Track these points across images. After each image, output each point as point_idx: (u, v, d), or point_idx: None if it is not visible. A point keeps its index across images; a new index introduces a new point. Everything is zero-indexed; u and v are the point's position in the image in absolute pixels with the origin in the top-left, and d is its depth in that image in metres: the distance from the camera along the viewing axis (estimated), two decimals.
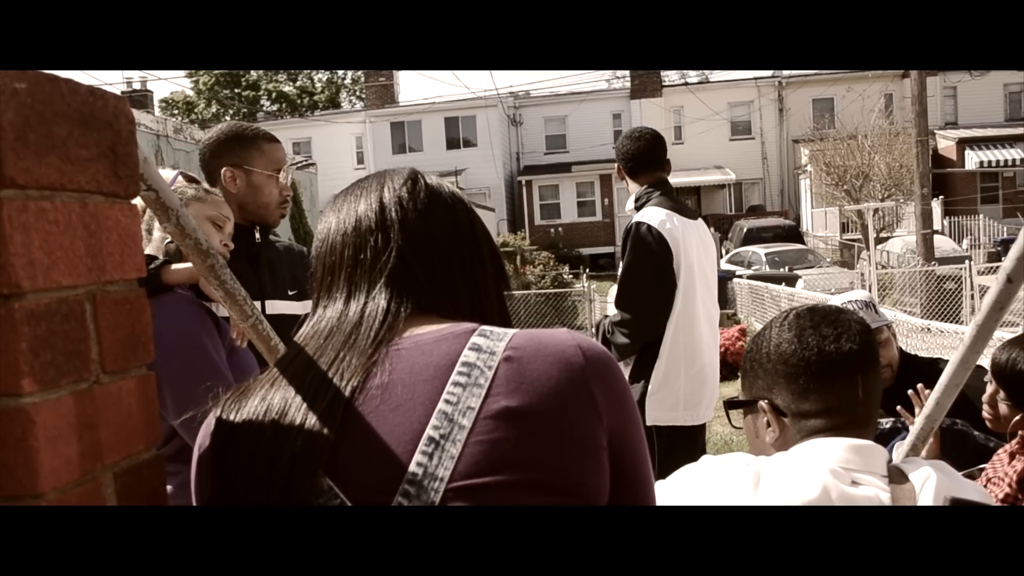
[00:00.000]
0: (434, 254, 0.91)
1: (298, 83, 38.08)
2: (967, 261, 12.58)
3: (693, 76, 31.79)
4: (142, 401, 0.86)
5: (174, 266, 1.78)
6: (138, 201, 0.92)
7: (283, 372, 0.86)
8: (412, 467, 0.77)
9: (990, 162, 24.88)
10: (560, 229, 27.74)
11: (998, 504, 1.92)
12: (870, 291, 12.45)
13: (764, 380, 1.31)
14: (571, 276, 18.53)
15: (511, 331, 0.85)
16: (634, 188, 3.20)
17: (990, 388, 2.10)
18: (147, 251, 1.83)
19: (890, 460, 1.23)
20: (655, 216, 3.00)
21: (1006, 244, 19.30)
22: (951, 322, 10.11)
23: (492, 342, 0.82)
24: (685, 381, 3.00)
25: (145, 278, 0.90)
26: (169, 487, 1.20)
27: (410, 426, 0.79)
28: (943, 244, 17.53)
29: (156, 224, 1.87)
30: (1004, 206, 25.22)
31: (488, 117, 27.78)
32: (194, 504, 0.86)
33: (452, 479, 0.76)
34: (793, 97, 29.15)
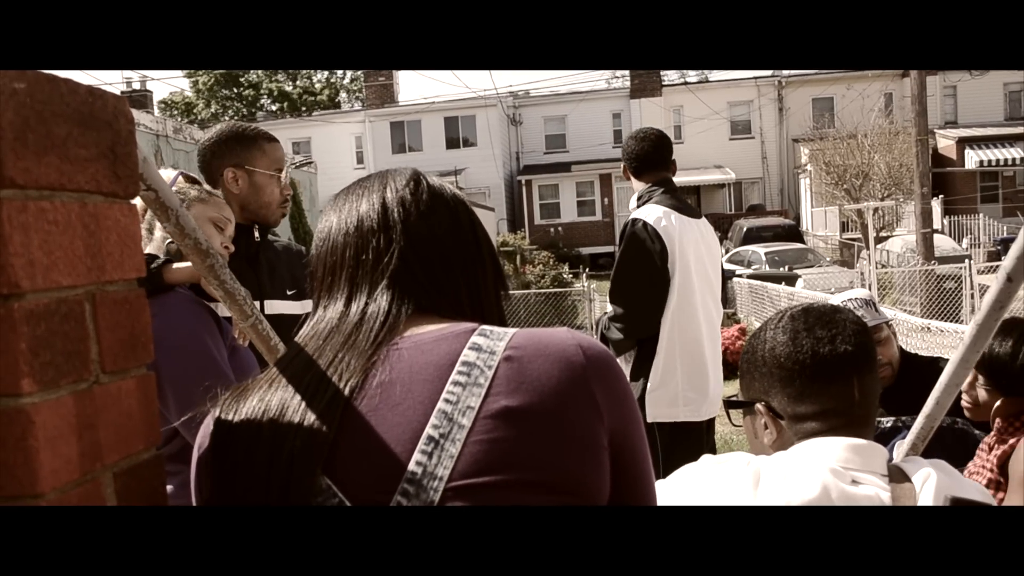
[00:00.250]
0: (436, 255, 0.91)
1: (299, 83, 38.08)
2: (967, 260, 12.59)
3: (693, 75, 31.80)
4: (142, 401, 0.86)
5: (175, 265, 1.78)
6: (138, 201, 0.92)
7: (282, 372, 0.85)
8: (411, 466, 0.77)
9: (990, 161, 24.88)
10: (560, 229, 27.74)
11: None
12: (870, 290, 12.45)
13: (760, 383, 1.30)
14: (571, 276, 18.53)
15: (511, 330, 0.84)
16: (638, 187, 3.23)
17: (967, 380, 2.10)
18: (148, 250, 1.83)
19: (890, 459, 1.23)
20: (651, 213, 3.04)
21: (1006, 243, 19.31)
22: (951, 321, 10.11)
23: (492, 341, 0.82)
24: (683, 378, 3.01)
25: (146, 277, 0.90)
26: (169, 487, 1.20)
27: (409, 425, 0.78)
28: (943, 243, 17.53)
29: (157, 224, 1.87)
30: (1004, 205, 25.22)
31: (488, 117, 27.78)
32: (194, 504, 0.86)
33: (451, 478, 0.76)
34: (793, 96, 29.15)
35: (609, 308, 3.15)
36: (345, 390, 0.81)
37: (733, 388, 1.58)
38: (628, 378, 2.97)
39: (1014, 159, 24.74)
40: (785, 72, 28.11)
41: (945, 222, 22.66)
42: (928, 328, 7.09)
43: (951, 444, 2.24)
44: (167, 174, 1.93)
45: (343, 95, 39.01)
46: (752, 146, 29.71)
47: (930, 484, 1.14)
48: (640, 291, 3.02)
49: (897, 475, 1.18)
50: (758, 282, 13.46)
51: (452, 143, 28.33)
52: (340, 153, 28.94)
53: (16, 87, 0.71)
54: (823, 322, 1.26)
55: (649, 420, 2.98)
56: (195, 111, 36.06)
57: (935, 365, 2.72)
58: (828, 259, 20.25)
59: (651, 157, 3.20)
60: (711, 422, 3.20)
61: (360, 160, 29.12)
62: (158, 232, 1.87)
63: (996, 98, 28.22)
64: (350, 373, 0.82)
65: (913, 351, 3.69)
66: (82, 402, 0.77)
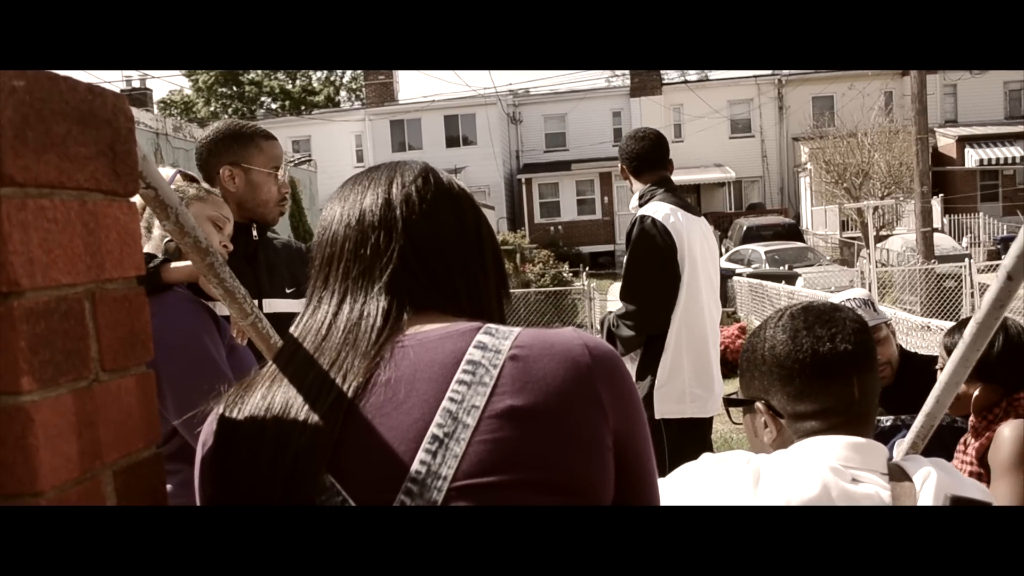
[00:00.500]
0: (436, 255, 0.90)
1: (298, 82, 38.05)
2: (967, 259, 12.60)
3: (693, 74, 31.78)
4: (142, 399, 0.86)
5: (173, 264, 1.78)
6: (137, 199, 0.91)
7: (284, 368, 0.85)
8: (415, 465, 0.76)
9: (990, 160, 24.87)
10: (560, 227, 27.74)
11: None
12: (870, 289, 12.45)
13: (760, 381, 1.30)
14: (571, 274, 18.54)
15: (516, 329, 0.84)
16: (638, 187, 3.25)
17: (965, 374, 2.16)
18: (147, 249, 1.82)
19: (890, 458, 1.23)
20: (659, 210, 3.06)
21: (1006, 242, 19.32)
22: (951, 320, 10.11)
23: (498, 340, 0.82)
24: (690, 374, 3.04)
25: (144, 276, 0.90)
26: (169, 486, 1.20)
27: (414, 424, 0.78)
28: (943, 242, 17.53)
29: (156, 222, 1.87)
30: (1004, 204, 25.22)
31: (488, 115, 27.77)
32: (197, 501, 0.86)
33: (455, 478, 0.75)
34: (793, 95, 29.15)
35: (619, 305, 3.16)
36: (349, 388, 0.80)
37: (733, 387, 1.58)
38: (634, 376, 3.01)
39: (1014, 158, 24.73)
40: (785, 70, 28.10)
41: (945, 221, 22.66)
42: (928, 327, 7.09)
43: (949, 443, 2.25)
44: (165, 172, 1.92)
45: (343, 93, 39.00)
46: (752, 145, 29.70)
47: (930, 483, 1.14)
48: (652, 288, 3.04)
49: (897, 473, 1.18)
50: (758, 281, 13.47)
51: (452, 141, 28.32)
52: (340, 151, 28.93)
53: (15, 85, 0.70)
54: (823, 321, 1.26)
55: (657, 416, 3.00)
56: (194, 110, 36.04)
57: (934, 364, 2.73)
58: (828, 258, 20.26)
59: (650, 156, 3.23)
60: (711, 420, 3.23)
61: (360, 158, 29.10)
62: (156, 231, 1.87)
63: (996, 97, 28.22)
64: (355, 371, 0.81)
65: (913, 350, 3.69)
66: (82, 400, 0.77)
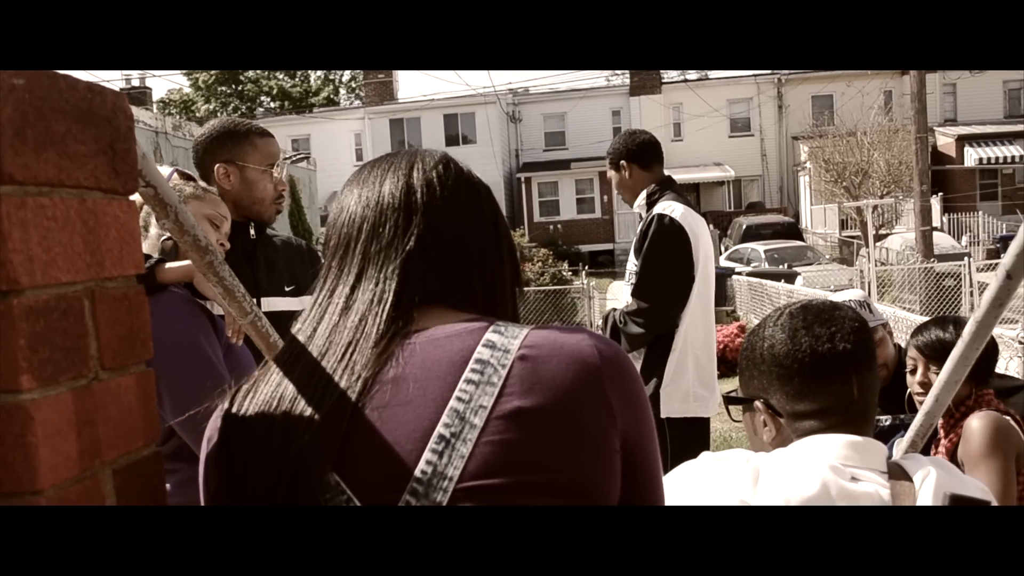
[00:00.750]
0: (454, 244, 0.89)
1: (297, 81, 38.00)
2: (966, 258, 12.60)
3: (692, 73, 31.76)
4: (141, 398, 0.86)
5: (169, 265, 1.78)
6: (136, 197, 0.91)
7: (294, 362, 0.84)
8: (421, 465, 0.76)
9: (989, 159, 24.88)
10: (559, 226, 27.72)
11: None
12: (869, 288, 12.46)
13: (759, 380, 1.30)
14: (570, 273, 18.53)
15: (526, 328, 0.82)
16: (642, 184, 3.24)
17: (919, 371, 2.28)
18: (143, 249, 1.82)
19: (890, 456, 1.23)
20: (676, 209, 3.08)
21: (1005, 241, 19.31)
22: None
23: (507, 339, 0.81)
24: (694, 374, 3.07)
25: (140, 276, 0.90)
26: (167, 485, 1.20)
27: (420, 423, 0.77)
28: (942, 241, 17.54)
29: (152, 221, 1.86)
30: (1003, 203, 25.22)
31: (487, 114, 27.74)
32: (200, 497, 0.86)
33: (462, 479, 0.75)
34: (792, 94, 29.14)
35: (629, 301, 3.16)
36: (357, 385, 0.79)
37: (732, 385, 1.58)
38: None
39: (1013, 157, 24.74)
40: (784, 69, 28.09)
41: (944, 220, 22.66)
42: None
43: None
44: (163, 171, 1.92)
45: (342, 92, 38.96)
46: (751, 143, 29.69)
47: (930, 481, 1.14)
48: (669, 287, 3.06)
49: (897, 472, 1.18)
50: (757, 280, 13.47)
51: (451, 140, 28.28)
52: (339, 150, 28.91)
53: (15, 83, 0.70)
54: (822, 320, 1.25)
55: (662, 416, 3.01)
56: (193, 108, 36.01)
57: None
58: (827, 257, 20.27)
59: (654, 151, 3.28)
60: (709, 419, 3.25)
61: (359, 157, 29.06)
62: (153, 230, 1.86)
63: (996, 96, 28.22)
64: (363, 366, 0.80)
65: None
66: (81, 399, 0.76)
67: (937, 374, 2.19)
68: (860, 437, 1.20)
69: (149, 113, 11.97)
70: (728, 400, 1.41)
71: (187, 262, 1.76)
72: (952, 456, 2.10)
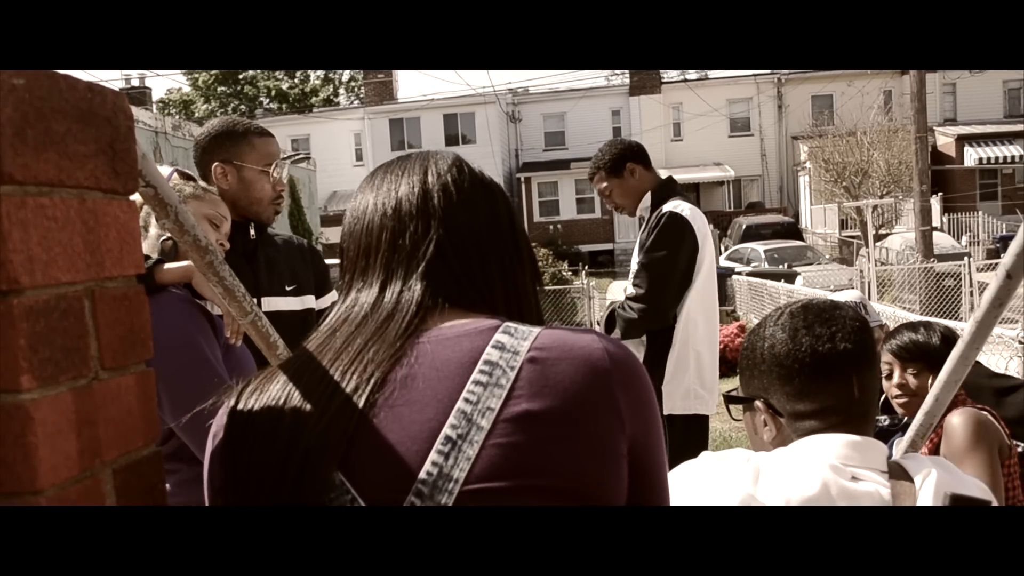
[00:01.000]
0: (473, 247, 0.88)
1: (299, 86, 37.95)
2: (966, 258, 12.60)
3: (692, 73, 31.77)
4: (141, 398, 0.86)
5: (167, 265, 1.77)
6: (136, 197, 0.91)
7: (306, 361, 0.84)
8: (427, 466, 0.75)
9: (989, 159, 24.88)
10: (559, 226, 27.73)
11: None
12: (869, 288, 12.47)
13: (759, 380, 1.29)
14: (570, 273, 18.53)
15: (536, 329, 0.82)
16: (645, 183, 3.25)
17: (895, 374, 2.32)
18: (142, 249, 1.82)
19: (890, 456, 1.23)
20: (685, 209, 3.12)
21: (1005, 241, 19.33)
22: (950, 319, 10.11)
23: (516, 341, 0.80)
24: (695, 372, 3.09)
25: (138, 277, 0.89)
26: (167, 485, 1.20)
27: (427, 423, 0.77)
28: (942, 241, 17.55)
29: (152, 221, 1.86)
30: (1003, 203, 25.23)
31: (487, 114, 27.76)
32: (205, 493, 0.85)
33: (467, 481, 0.74)
34: (792, 94, 29.15)
35: (630, 290, 3.17)
36: (367, 384, 0.79)
37: (732, 385, 1.58)
38: None
39: (1013, 156, 24.75)
40: (784, 69, 28.10)
41: (944, 220, 22.67)
42: None
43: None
44: (163, 171, 1.92)
45: (341, 91, 38.93)
46: (751, 143, 29.70)
47: (930, 481, 1.14)
48: (669, 280, 3.07)
49: (897, 471, 1.18)
50: (757, 280, 13.47)
51: (451, 140, 28.28)
52: (339, 150, 28.93)
53: (15, 83, 0.70)
54: (822, 319, 1.25)
55: (664, 412, 3.02)
56: (193, 108, 36.00)
57: None
58: (827, 256, 20.28)
59: (646, 153, 3.32)
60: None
61: (359, 157, 29.10)
62: (153, 230, 1.86)
63: (995, 96, 28.23)
64: (375, 366, 0.80)
65: None
66: (81, 398, 0.76)
67: (914, 375, 2.26)
68: (860, 437, 1.20)
69: (149, 113, 11.97)
70: (728, 399, 1.41)
71: (186, 263, 1.76)
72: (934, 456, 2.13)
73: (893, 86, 26.68)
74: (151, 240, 1.85)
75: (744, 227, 22.16)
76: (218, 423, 0.85)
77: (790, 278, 14.21)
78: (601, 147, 3.39)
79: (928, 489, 1.13)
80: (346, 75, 38.34)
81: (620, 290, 3.38)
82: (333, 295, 2.54)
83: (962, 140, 25.38)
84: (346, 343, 0.83)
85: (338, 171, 27.53)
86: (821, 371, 1.23)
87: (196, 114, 34.02)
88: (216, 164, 2.26)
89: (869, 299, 10.77)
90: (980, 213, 22.95)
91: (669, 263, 3.06)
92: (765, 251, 18.74)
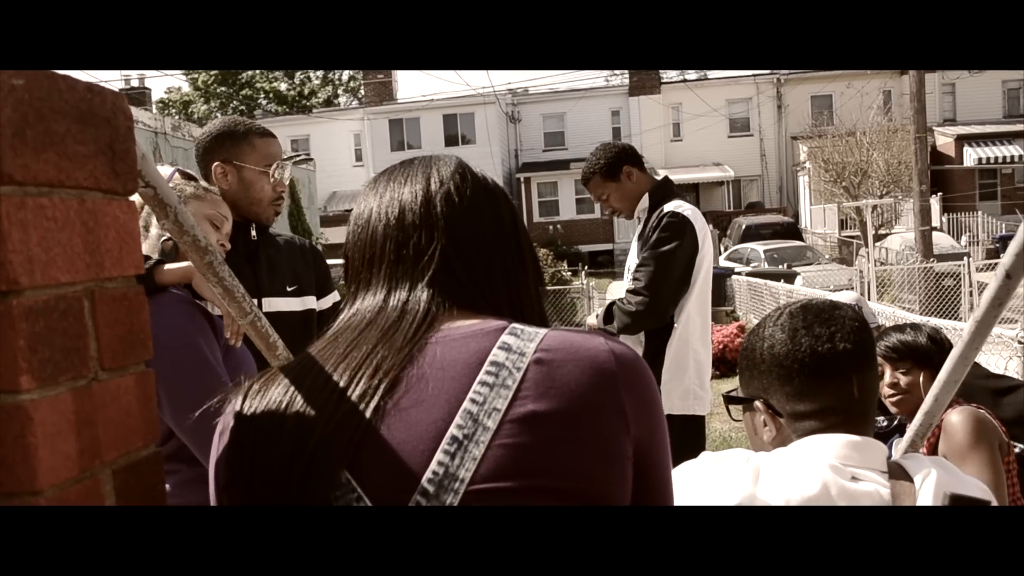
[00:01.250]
0: (477, 254, 0.89)
1: (297, 87, 37.93)
2: (966, 258, 12.61)
3: (692, 73, 31.78)
4: (141, 398, 0.86)
5: (167, 266, 1.77)
6: (136, 198, 0.91)
7: (314, 361, 0.84)
8: (433, 466, 0.75)
9: (989, 159, 24.89)
10: (559, 226, 27.74)
11: None
12: (869, 288, 12.47)
13: (759, 380, 1.29)
14: (570, 273, 18.53)
15: (543, 331, 0.82)
16: (642, 185, 3.25)
17: (886, 374, 2.34)
18: (142, 250, 1.81)
19: (890, 456, 1.23)
20: (687, 209, 3.13)
21: (1005, 241, 19.33)
22: (950, 319, 10.12)
23: (523, 342, 0.80)
24: (693, 371, 3.10)
25: (138, 278, 0.89)
26: (167, 485, 1.20)
27: (434, 424, 0.77)
28: (942, 241, 17.56)
29: (153, 222, 1.86)
30: (1003, 203, 25.24)
31: (486, 114, 27.76)
32: (211, 491, 0.85)
33: (473, 481, 0.74)
34: (792, 94, 29.16)
35: (631, 285, 3.18)
36: (376, 389, 0.79)
37: (731, 385, 1.58)
38: None
39: (1013, 156, 24.76)
40: (784, 69, 28.11)
41: (944, 220, 22.68)
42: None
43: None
44: (164, 171, 1.92)
45: (340, 92, 38.93)
46: (751, 143, 29.71)
47: (930, 481, 1.14)
48: (669, 279, 3.07)
49: (897, 472, 1.18)
50: (757, 280, 13.47)
51: (451, 140, 28.29)
52: (339, 151, 28.93)
53: (15, 84, 0.70)
54: (822, 319, 1.25)
55: (665, 411, 3.02)
56: (192, 108, 36.00)
57: None
58: (827, 257, 20.28)
59: (640, 155, 3.33)
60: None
61: (359, 158, 29.11)
62: (153, 230, 1.86)
63: (995, 96, 28.24)
64: (385, 369, 0.80)
65: None
66: (81, 399, 0.76)
67: (903, 373, 2.30)
68: (860, 437, 1.20)
69: (148, 113, 11.97)
70: (728, 400, 1.40)
71: (186, 263, 1.76)
72: (932, 454, 2.13)
73: (892, 86, 26.69)
74: (151, 240, 1.85)
75: (744, 227, 22.16)
76: (224, 421, 0.85)
77: (790, 278, 14.21)
78: (594, 151, 3.33)
79: (928, 489, 1.13)
80: (345, 75, 38.34)
81: (620, 291, 3.38)
82: (334, 296, 2.54)
83: (961, 140, 25.39)
84: (350, 348, 0.83)
85: (338, 171, 27.55)
86: (821, 371, 1.23)
87: (195, 115, 34.00)
88: (216, 164, 2.25)
89: (868, 299, 10.76)
90: (979, 213, 22.96)
91: (671, 261, 3.07)
92: (765, 251, 18.75)
